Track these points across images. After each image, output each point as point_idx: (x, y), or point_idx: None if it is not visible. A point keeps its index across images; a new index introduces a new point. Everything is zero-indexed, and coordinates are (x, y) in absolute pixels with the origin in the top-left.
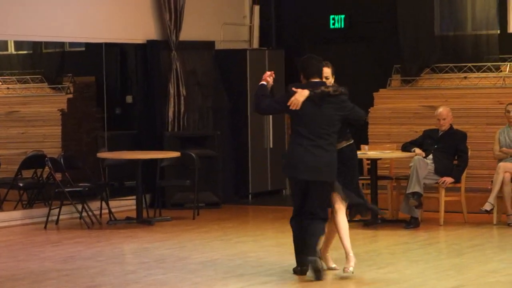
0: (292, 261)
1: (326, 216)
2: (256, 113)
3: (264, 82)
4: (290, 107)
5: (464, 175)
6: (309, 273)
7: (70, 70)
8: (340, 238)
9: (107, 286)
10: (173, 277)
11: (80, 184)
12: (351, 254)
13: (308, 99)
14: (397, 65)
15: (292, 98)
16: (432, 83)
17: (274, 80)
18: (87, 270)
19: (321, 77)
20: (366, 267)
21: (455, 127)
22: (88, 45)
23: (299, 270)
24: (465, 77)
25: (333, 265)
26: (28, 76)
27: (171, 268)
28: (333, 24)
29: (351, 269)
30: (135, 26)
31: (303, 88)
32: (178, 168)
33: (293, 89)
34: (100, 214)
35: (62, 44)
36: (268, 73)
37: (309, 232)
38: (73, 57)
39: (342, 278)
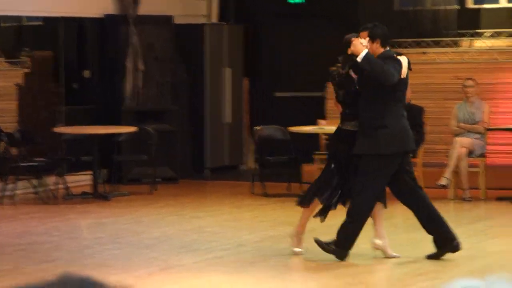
0: (247, 235)
1: None
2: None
3: (367, 49)
4: (403, 76)
5: (421, 149)
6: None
7: (28, 45)
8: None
9: (63, 261)
10: (128, 252)
11: (36, 159)
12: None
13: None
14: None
15: (404, 67)
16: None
17: (232, 57)
18: (42, 245)
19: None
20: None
21: (413, 102)
22: (45, 19)
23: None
24: (424, 52)
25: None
26: None
27: (126, 243)
28: None
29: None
30: (93, 0)
31: (395, 55)
32: (136, 143)
33: (396, 56)
34: (57, 189)
35: (19, 18)
36: (364, 41)
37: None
38: (31, 31)
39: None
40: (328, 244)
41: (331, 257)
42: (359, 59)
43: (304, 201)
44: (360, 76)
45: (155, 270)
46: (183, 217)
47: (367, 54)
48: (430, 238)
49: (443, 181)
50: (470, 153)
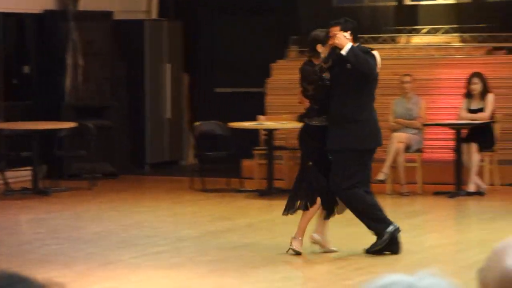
0: (186, 230)
1: None
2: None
3: (351, 43)
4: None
5: None
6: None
7: None
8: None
9: (2, 257)
10: (68, 247)
11: None
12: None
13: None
14: (294, 36)
15: (379, 60)
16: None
17: (172, 52)
18: None
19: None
20: (261, 236)
21: None
22: None
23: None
24: None
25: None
26: None
27: (66, 238)
28: None
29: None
30: None
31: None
32: (76, 138)
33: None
34: None
35: None
36: (347, 34)
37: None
38: None
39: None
40: (374, 246)
41: (269, 251)
42: (344, 52)
43: (290, 208)
44: (336, 70)
45: (94, 265)
46: (123, 213)
47: (352, 47)
48: (367, 231)
49: (381, 176)
50: (408, 148)
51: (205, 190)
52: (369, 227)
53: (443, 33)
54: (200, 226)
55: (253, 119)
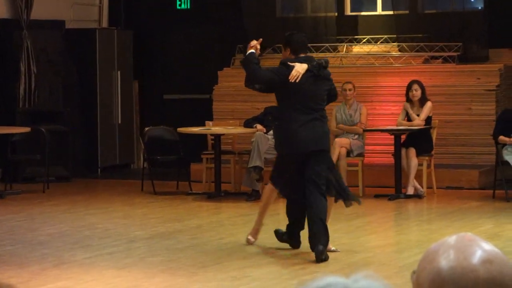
0: (137, 232)
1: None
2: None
3: (253, 50)
4: (291, 80)
5: None
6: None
7: None
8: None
9: None
10: (22, 248)
11: None
12: None
13: (305, 72)
14: (240, 45)
15: (293, 72)
16: (273, 63)
17: (122, 60)
18: None
19: (306, 52)
20: (209, 237)
21: None
22: None
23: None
24: None
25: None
26: None
27: (20, 239)
28: (180, 5)
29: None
30: None
31: (296, 62)
32: (29, 143)
33: (290, 63)
34: None
35: None
36: (256, 41)
37: (316, 210)
38: None
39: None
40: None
41: (217, 252)
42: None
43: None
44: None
45: (48, 265)
46: (76, 215)
47: (248, 54)
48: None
49: None
50: (349, 153)
51: (155, 193)
52: None
53: (381, 42)
54: (151, 228)
55: (201, 124)
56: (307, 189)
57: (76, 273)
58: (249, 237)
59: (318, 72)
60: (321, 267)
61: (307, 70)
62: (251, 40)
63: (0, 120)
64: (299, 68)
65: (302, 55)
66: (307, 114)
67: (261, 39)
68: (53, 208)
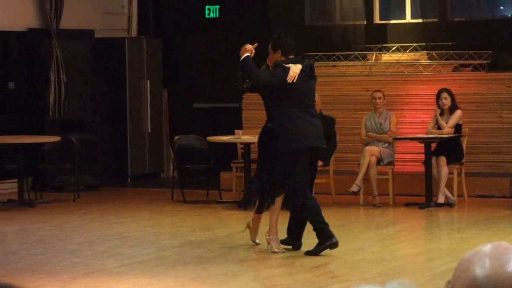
0: (167, 240)
1: None
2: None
3: (248, 54)
4: (289, 81)
5: (332, 158)
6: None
7: None
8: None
9: None
10: (52, 257)
11: None
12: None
13: (300, 72)
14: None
15: (291, 72)
16: None
17: (151, 69)
18: None
19: (294, 53)
20: (239, 246)
21: (324, 112)
22: None
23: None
24: (334, 66)
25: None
26: None
27: (50, 248)
28: (208, 14)
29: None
30: (16, 14)
31: (290, 63)
32: (59, 152)
33: (285, 65)
34: None
35: None
36: (251, 46)
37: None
38: None
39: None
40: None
41: (250, 261)
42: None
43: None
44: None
45: (78, 274)
46: (105, 223)
47: (244, 57)
48: (342, 240)
49: (354, 188)
50: (379, 161)
51: (185, 202)
52: None
53: (411, 50)
54: (181, 236)
55: (231, 133)
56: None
57: (106, 281)
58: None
59: (310, 72)
60: (352, 275)
61: (301, 70)
62: (245, 44)
63: (30, 129)
64: (295, 69)
65: (291, 56)
66: (304, 112)
67: (256, 44)
68: (83, 217)
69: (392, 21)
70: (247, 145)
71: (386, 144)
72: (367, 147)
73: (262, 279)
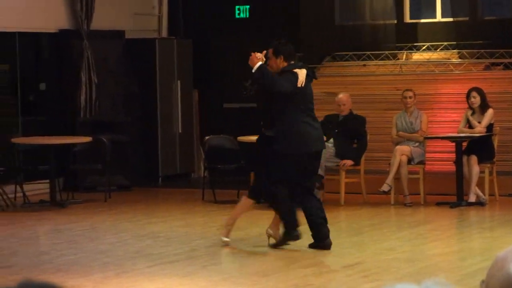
0: (199, 240)
1: None
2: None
3: (261, 62)
4: (299, 85)
5: (363, 158)
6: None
7: None
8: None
9: (21, 267)
10: (84, 257)
11: None
12: None
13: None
14: (299, 54)
15: (300, 77)
16: (332, 71)
17: (182, 69)
18: (1, 251)
19: (295, 59)
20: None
21: (354, 112)
22: (1, 34)
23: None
24: (364, 65)
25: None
26: None
27: (82, 248)
28: (239, 14)
29: None
30: (47, 15)
31: (295, 68)
32: (91, 152)
33: (293, 70)
34: (15, 197)
35: None
36: (260, 54)
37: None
38: None
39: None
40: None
41: (279, 260)
42: (253, 70)
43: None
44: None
45: (110, 274)
46: (137, 223)
47: (260, 66)
48: (374, 240)
49: (385, 188)
50: (410, 161)
51: (216, 202)
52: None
53: (441, 49)
54: (212, 236)
55: (261, 133)
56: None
57: (138, 281)
58: (269, 229)
59: (313, 75)
60: (383, 275)
61: (306, 75)
62: (254, 52)
63: (61, 130)
64: (303, 73)
65: (292, 62)
66: (308, 116)
67: (265, 51)
68: (115, 217)
69: (423, 20)
70: None
71: (417, 143)
72: (398, 147)
73: (293, 278)
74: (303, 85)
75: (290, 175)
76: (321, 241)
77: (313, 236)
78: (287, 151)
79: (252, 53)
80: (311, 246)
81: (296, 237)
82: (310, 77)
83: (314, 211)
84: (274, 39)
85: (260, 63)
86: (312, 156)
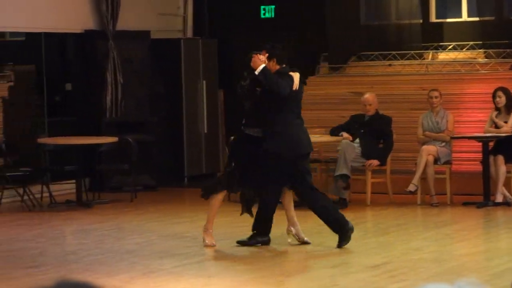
0: (225, 240)
1: None
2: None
3: (264, 64)
4: (294, 88)
5: (389, 157)
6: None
7: (11, 59)
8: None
9: (48, 266)
10: (110, 257)
11: (22, 169)
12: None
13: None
14: (325, 53)
15: (296, 80)
16: (358, 70)
17: (207, 69)
18: (28, 251)
19: (287, 62)
20: (296, 246)
21: (380, 112)
22: (28, 34)
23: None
24: (390, 65)
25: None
26: None
27: (109, 248)
28: (264, 14)
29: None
30: (73, 16)
31: (289, 71)
32: (116, 152)
33: (289, 73)
34: (41, 198)
35: (2, 34)
36: (263, 56)
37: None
38: (14, 46)
39: (280, 254)
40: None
41: (304, 260)
42: (257, 72)
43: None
44: (262, 88)
45: (137, 274)
46: (163, 223)
47: (264, 68)
48: (400, 240)
49: (411, 188)
50: (436, 161)
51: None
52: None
53: (467, 49)
54: (238, 236)
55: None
56: (296, 187)
57: (164, 281)
58: (290, 227)
59: (304, 79)
60: (410, 275)
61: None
62: (252, 53)
63: (87, 131)
64: (297, 77)
65: (284, 65)
66: (299, 118)
67: (265, 52)
68: (141, 217)
69: (449, 20)
70: None
71: (443, 143)
72: (424, 146)
73: (320, 278)
74: (297, 89)
75: (285, 176)
76: (345, 229)
77: (338, 230)
78: (283, 153)
79: (254, 55)
80: (340, 243)
81: (265, 242)
82: (301, 81)
83: (330, 208)
84: (265, 43)
85: (263, 65)
86: (304, 157)
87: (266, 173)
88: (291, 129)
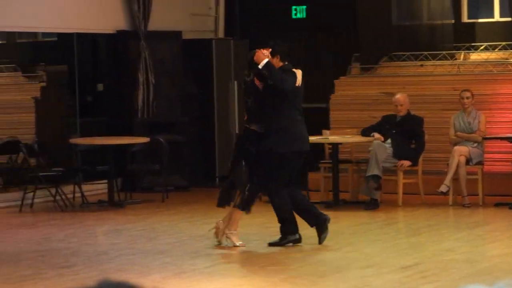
0: (256, 241)
1: None
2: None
3: (268, 59)
4: (297, 84)
5: (421, 158)
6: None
7: (43, 60)
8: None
9: (80, 266)
10: (143, 257)
11: (54, 169)
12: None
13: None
14: (357, 54)
15: (298, 76)
16: (390, 71)
17: (239, 70)
18: (61, 251)
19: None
20: (328, 247)
21: (412, 112)
22: (60, 35)
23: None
24: (422, 65)
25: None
26: (2, 66)
27: (141, 248)
28: (295, 14)
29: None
30: (105, 16)
31: (292, 68)
32: (148, 153)
33: (292, 69)
34: (73, 198)
35: (35, 35)
36: (267, 51)
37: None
38: (46, 47)
39: (304, 255)
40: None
41: (336, 261)
42: (260, 66)
43: (225, 202)
44: (264, 84)
45: (169, 274)
46: (195, 224)
47: (267, 62)
48: (432, 241)
49: (443, 188)
50: (468, 161)
51: None
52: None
53: (500, 49)
54: (270, 237)
55: (318, 133)
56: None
57: (196, 281)
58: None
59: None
60: (442, 276)
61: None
62: (257, 49)
63: (119, 131)
64: (300, 74)
65: (286, 62)
66: (300, 115)
67: (270, 49)
68: (173, 217)
69: (480, 20)
70: (335, 146)
71: (475, 144)
72: (456, 147)
73: (352, 279)
74: (300, 85)
75: (288, 172)
76: (321, 220)
77: (313, 223)
78: (286, 149)
79: (258, 50)
80: (320, 239)
81: (297, 240)
82: (303, 77)
83: (300, 199)
84: (268, 41)
85: (267, 59)
86: (304, 154)
87: (269, 172)
88: (295, 125)
